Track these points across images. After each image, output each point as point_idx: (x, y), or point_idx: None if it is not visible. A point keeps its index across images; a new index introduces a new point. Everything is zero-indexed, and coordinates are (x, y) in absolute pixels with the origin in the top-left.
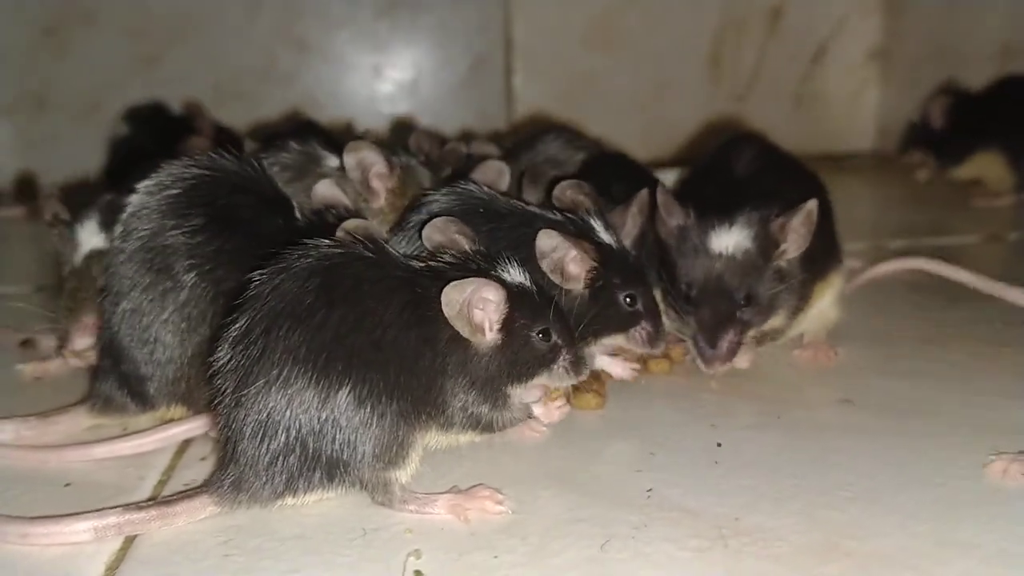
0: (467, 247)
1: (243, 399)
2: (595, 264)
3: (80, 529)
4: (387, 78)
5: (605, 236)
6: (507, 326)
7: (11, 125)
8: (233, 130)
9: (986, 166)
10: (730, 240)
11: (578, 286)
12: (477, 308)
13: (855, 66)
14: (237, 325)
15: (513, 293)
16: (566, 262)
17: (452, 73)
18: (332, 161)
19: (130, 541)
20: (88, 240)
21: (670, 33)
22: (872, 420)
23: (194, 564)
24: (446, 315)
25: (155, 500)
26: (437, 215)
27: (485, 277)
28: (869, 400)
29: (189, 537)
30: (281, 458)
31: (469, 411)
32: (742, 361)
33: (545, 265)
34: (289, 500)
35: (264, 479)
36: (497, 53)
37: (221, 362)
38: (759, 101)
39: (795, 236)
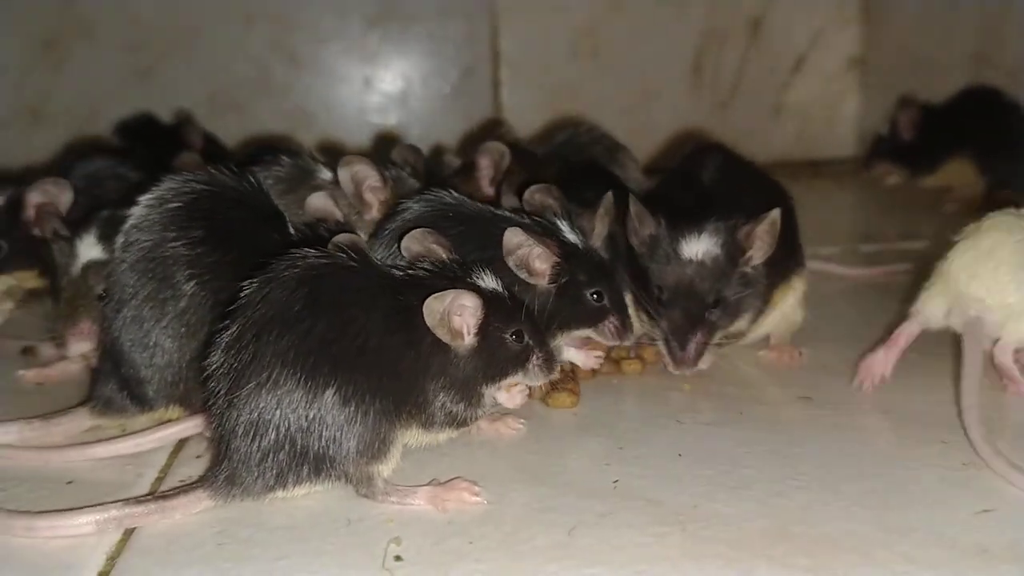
0: (444, 256)
1: (235, 400)
2: (559, 260)
3: (83, 522)
4: (377, 90)
5: (571, 236)
6: (483, 330)
7: (7, 138)
8: (221, 142)
9: (957, 173)
10: (699, 247)
11: (543, 282)
12: (456, 315)
13: (833, 75)
14: (229, 331)
15: (487, 299)
16: (531, 258)
17: (441, 84)
18: (325, 174)
19: (129, 533)
20: (86, 252)
21: (653, 43)
22: (828, 416)
23: (190, 553)
24: (428, 324)
25: (154, 495)
26: (410, 222)
27: (462, 285)
28: (827, 398)
29: (185, 529)
30: (271, 454)
31: (448, 409)
32: (703, 362)
33: (511, 262)
34: (280, 493)
35: (256, 474)
36: (485, 64)
37: (215, 366)
38: (740, 109)
39: (760, 243)
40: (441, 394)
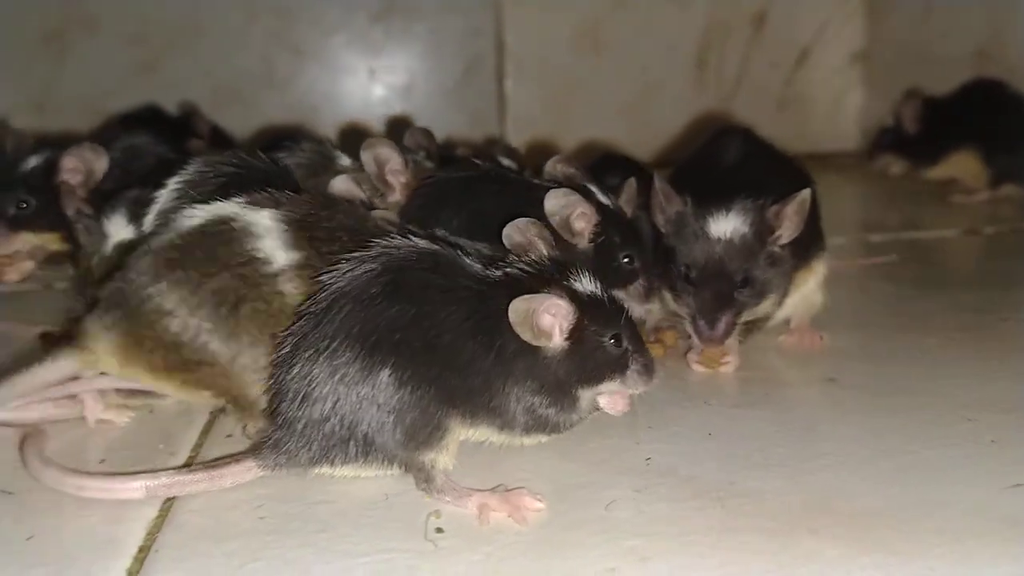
0: (544, 251)
1: (292, 363)
2: (599, 220)
3: (134, 487)
4: (382, 82)
5: (603, 199)
6: (577, 332)
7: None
8: (228, 133)
9: (961, 165)
10: (728, 225)
11: (583, 241)
12: (546, 315)
13: (837, 69)
14: (311, 300)
15: (584, 302)
16: (574, 218)
17: (446, 77)
18: (345, 159)
19: (167, 509)
20: (117, 232)
21: (657, 37)
22: (853, 397)
23: (230, 527)
24: (512, 323)
25: (204, 463)
26: (450, 183)
27: (557, 288)
28: (851, 380)
29: (224, 503)
30: (319, 425)
31: (537, 413)
32: (729, 366)
33: (554, 222)
34: (326, 469)
35: (301, 443)
36: (489, 57)
37: (288, 330)
38: (744, 103)
39: (789, 223)
40: (528, 397)
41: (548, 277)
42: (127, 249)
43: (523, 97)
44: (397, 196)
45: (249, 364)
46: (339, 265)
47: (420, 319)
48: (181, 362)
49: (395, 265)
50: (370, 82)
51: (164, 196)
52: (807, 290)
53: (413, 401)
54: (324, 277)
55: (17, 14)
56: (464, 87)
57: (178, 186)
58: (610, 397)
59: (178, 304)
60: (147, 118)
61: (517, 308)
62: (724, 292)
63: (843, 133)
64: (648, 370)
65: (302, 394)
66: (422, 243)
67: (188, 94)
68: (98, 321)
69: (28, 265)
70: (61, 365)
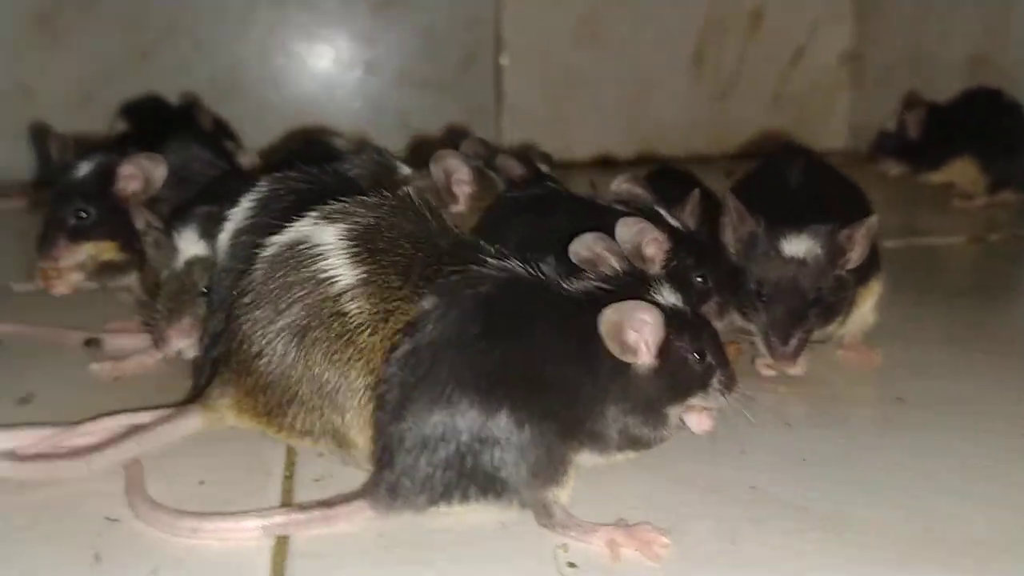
0: (615, 263)
1: (405, 414)
2: (671, 246)
3: (248, 527)
4: (379, 73)
5: (673, 222)
6: (664, 348)
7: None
8: (231, 126)
9: (961, 171)
10: (802, 246)
11: (655, 268)
12: (633, 330)
13: (828, 68)
14: (404, 346)
15: (669, 316)
16: (645, 245)
17: (442, 70)
18: (404, 169)
19: (285, 537)
20: (188, 248)
21: (655, 32)
22: (931, 417)
23: (356, 557)
24: (603, 335)
25: (318, 502)
26: (522, 202)
27: (642, 300)
28: (919, 399)
29: (346, 532)
30: (439, 471)
31: (630, 433)
32: (798, 368)
33: (626, 251)
34: (443, 509)
35: (420, 488)
36: (487, 50)
37: (388, 375)
38: (740, 100)
39: (858, 247)
40: (623, 418)
41: (632, 291)
42: (200, 265)
43: (520, 89)
44: (461, 207)
45: (332, 398)
46: (428, 306)
47: (525, 353)
48: (276, 404)
49: (487, 301)
50: (367, 73)
51: (238, 214)
52: (864, 309)
53: (535, 438)
54: (417, 320)
55: None
56: (461, 79)
57: (252, 204)
58: (696, 415)
59: (265, 343)
60: (149, 108)
61: (608, 319)
62: (797, 310)
63: (833, 131)
64: (731, 383)
65: (418, 441)
66: (503, 266)
67: (184, 83)
68: (218, 376)
69: (77, 276)
70: (188, 424)
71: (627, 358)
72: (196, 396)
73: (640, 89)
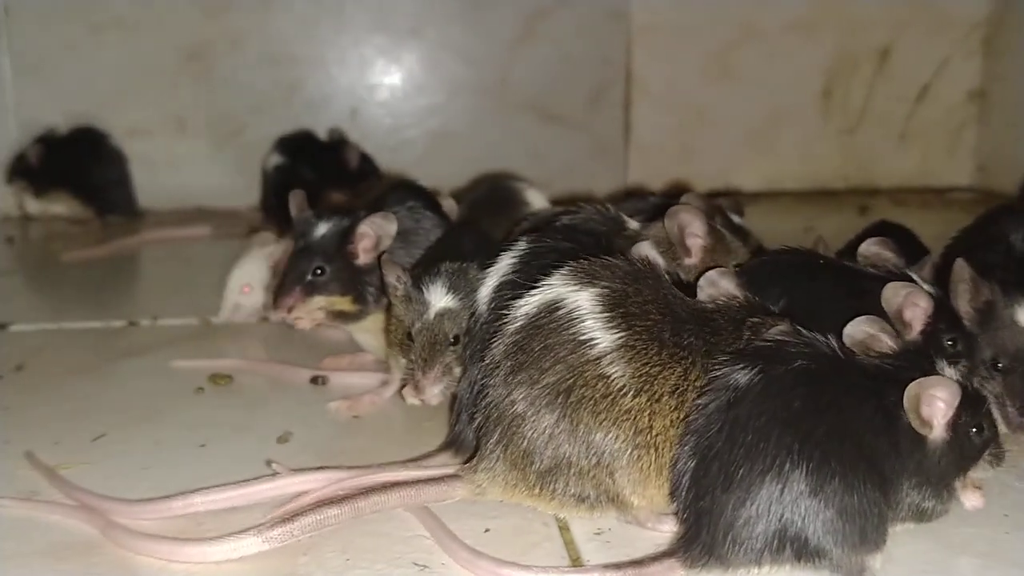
0: (890, 342)
1: (731, 483)
2: (932, 312)
3: None
4: (511, 110)
5: (925, 285)
6: (953, 422)
7: (150, 146)
8: (375, 161)
9: None
10: None
11: (913, 333)
12: (936, 403)
13: (955, 105)
14: (718, 417)
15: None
16: (907, 309)
17: (572, 104)
18: (633, 223)
19: None
20: (437, 301)
21: (785, 68)
22: None
23: None
24: (905, 408)
25: (631, 561)
26: (779, 267)
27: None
28: None
29: None
30: (759, 537)
31: (921, 506)
32: None
33: (889, 314)
34: (752, 571)
35: (734, 547)
36: (618, 85)
37: (702, 444)
38: (867, 135)
39: None
40: (914, 493)
41: (919, 367)
42: (448, 316)
43: (649, 124)
44: (694, 260)
45: (601, 458)
46: (742, 380)
47: (846, 428)
48: (546, 471)
49: (805, 376)
50: (500, 108)
51: (500, 268)
52: None
53: (863, 506)
54: (724, 391)
55: (160, 30)
56: (591, 113)
57: (514, 260)
58: (972, 493)
59: (529, 403)
60: (301, 142)
61: (913, 393)
62: None
63: (959, 168)
64: (1000, 456)
65: (745, 507)
66: (805, 341)
67: (327, 117)
68: (482, 449)
69: (319, 315)
70: (453, 495)
71: (924, 431)
72: (463, 465)
73: (768, 124)
